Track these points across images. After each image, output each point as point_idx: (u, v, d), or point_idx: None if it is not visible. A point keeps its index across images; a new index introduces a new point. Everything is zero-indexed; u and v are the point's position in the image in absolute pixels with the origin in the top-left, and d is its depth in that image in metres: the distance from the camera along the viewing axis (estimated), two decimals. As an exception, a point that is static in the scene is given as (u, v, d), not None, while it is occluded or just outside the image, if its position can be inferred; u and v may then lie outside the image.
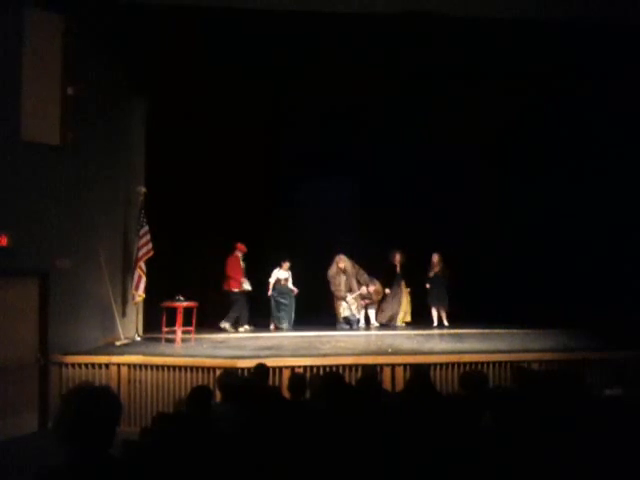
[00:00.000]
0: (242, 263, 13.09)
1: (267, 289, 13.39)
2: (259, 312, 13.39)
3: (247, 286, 13.06)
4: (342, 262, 13.53)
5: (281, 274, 13.48)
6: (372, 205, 14.84)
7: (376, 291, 13.81)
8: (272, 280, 13.42)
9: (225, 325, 12.82)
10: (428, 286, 13.74)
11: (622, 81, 12.03)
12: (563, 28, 11.14)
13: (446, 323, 13.61)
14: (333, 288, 13.58)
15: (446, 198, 14.65)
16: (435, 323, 13.67)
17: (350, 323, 13.51)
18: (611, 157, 12.65)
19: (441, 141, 14.19)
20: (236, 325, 12.97)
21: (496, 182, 14.87)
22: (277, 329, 13.25)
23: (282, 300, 13.35)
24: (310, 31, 11.31)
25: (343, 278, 13.52)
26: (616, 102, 12.22)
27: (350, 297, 13.48)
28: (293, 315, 13.44)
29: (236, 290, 12.92)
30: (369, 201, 15.06)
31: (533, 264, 13.74)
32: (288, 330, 13.10)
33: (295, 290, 13.46)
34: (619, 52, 11.68)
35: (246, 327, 13.03)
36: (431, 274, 13.74)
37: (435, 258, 13.75)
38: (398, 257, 14.01)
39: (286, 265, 13.47)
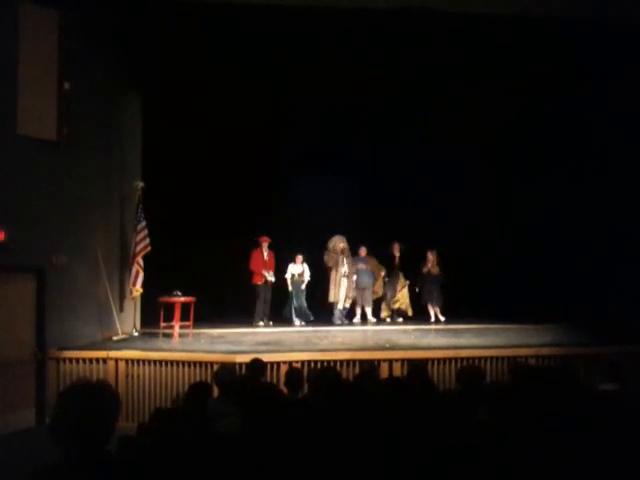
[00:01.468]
0: (266, 254, 13.06)
1: (285, 286, 13.41)
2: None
3: (270, 277, 13.05)
4: (342, 242, 13.43)
5: (295, 269, 13.43)
6: (372, 205, 14.83)
7: (377, 267, 13.85)
8: (288, 276, 13.40)
9: (257, 323, 12.85)
10: (416, 289, 13.84)
11: (622, 81, 12.02)
12: (563, 28, 11.16)
13: (442, 318, 13.65)
14: (327, 258, 13.47)
15: (446, 198, 14.70)
16: (432, 319, 13.67)
17: (341, 315, 13.42)
18: (611, 157, 12.63)
19: (441, 141, 14.24)
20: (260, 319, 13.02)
21: (496, 182, 14.90)
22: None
23: (291, 296, 13.39)
24: (310, 30, 11.33)
25: (340, 253, 13.42)
26: (616, 102, 12.21)
27: (345, 270, 13.31)
28: (302, 308, 13.37)
29: (259, 283, 12.96)
30: (369, 201, 15.06)
31: (533, 264, 13.74)
32: (300, 325, 13.08)
33: (305, 281, 13.40)
34: (619, 52, 11.69)
35: (261, 323, 12.98)
36: (425, 270, 13.74)
37: (430, 256, 13.74)
38: (397, 248, 14.00)
39: (299, 259, 13.42)
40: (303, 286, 13.39)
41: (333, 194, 15.83)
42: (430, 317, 13.71)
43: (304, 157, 14.48)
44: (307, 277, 13.43)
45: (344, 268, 13.36)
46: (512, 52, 11.82)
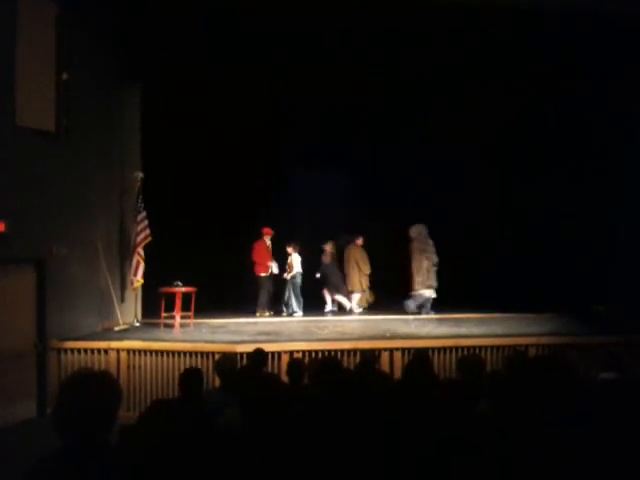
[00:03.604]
0: (269, 246, 13.07)
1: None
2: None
3: (275, 269, 13.09)
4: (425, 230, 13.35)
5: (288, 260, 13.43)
6: (372, 205, 14.82)
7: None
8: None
9: (258, 313, 12.84)
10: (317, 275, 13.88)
11: (622, 81, 12.08)
12: (563, 27, 11.22)
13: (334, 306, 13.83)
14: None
15: (446, 198, 14.67)
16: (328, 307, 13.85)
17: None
18: (611, 157, 12.66)
19: (441, 141, 14.24)
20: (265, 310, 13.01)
21: (496, 182, 14.86)
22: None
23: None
24: (310, 30, 11.37)
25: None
26: (616, 102, 12.26)
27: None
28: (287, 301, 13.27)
29: (263, 275, 12.97)
30: (369, 201, 15.04)
31: (533, 263, 13.71)
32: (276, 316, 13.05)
33: (292, 271, 13.25)
34: (619, 51, 11.75)
35: (267, 313, 12.98)
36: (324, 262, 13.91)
37: (326, 248, 13.88)
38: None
39: (289, 249, 13.37)
40: (286, 276, 13.26)
41: (333, 194, 15.83)
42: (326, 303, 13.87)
43: (304, 156, 14.50)
44: (296, 268, 13.27)
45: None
46: (512, 51, 11.86)
